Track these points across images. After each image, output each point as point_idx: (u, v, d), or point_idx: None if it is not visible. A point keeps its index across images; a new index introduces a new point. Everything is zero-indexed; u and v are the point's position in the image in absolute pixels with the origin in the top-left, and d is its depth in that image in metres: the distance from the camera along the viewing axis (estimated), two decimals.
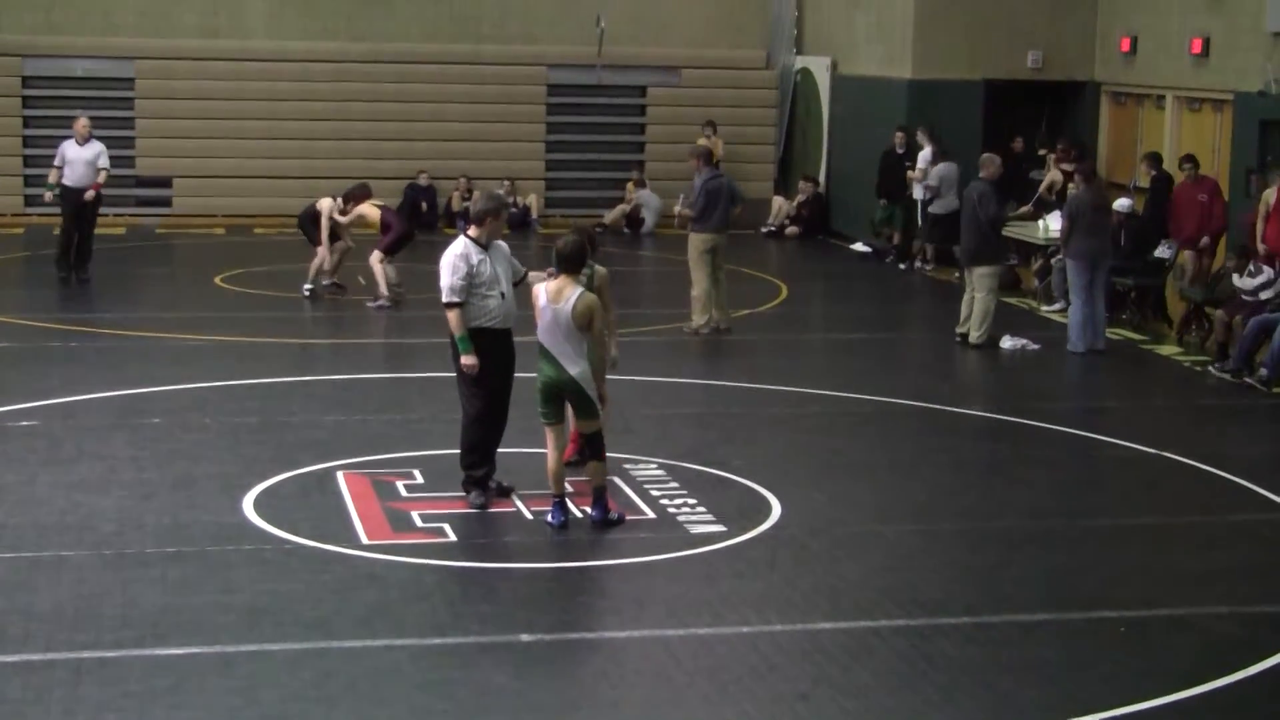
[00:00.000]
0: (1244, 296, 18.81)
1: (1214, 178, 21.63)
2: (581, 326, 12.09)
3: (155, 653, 9.57)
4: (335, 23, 30.68)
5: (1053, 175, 25.39)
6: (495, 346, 12.59)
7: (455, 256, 12.45)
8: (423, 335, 19.46)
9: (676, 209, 23.50)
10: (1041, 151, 26.60)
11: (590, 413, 12.28)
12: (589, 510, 12.43)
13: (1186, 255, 21.62)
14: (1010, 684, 9.51)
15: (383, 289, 21.19)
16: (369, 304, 21.38)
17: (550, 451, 12.30)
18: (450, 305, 12.43)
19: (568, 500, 12.36)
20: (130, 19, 30.16)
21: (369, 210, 22.00)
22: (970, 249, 20.13)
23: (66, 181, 22.91)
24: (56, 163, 23.06)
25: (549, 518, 12.28)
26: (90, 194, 22.92)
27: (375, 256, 21.41)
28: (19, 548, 11.44)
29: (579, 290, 12.15)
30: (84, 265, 23.17)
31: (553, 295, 12.14)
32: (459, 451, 12.83)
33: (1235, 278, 19.11)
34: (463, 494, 12.74)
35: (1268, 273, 18.74)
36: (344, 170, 30.03)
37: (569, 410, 12.53)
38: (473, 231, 12.68)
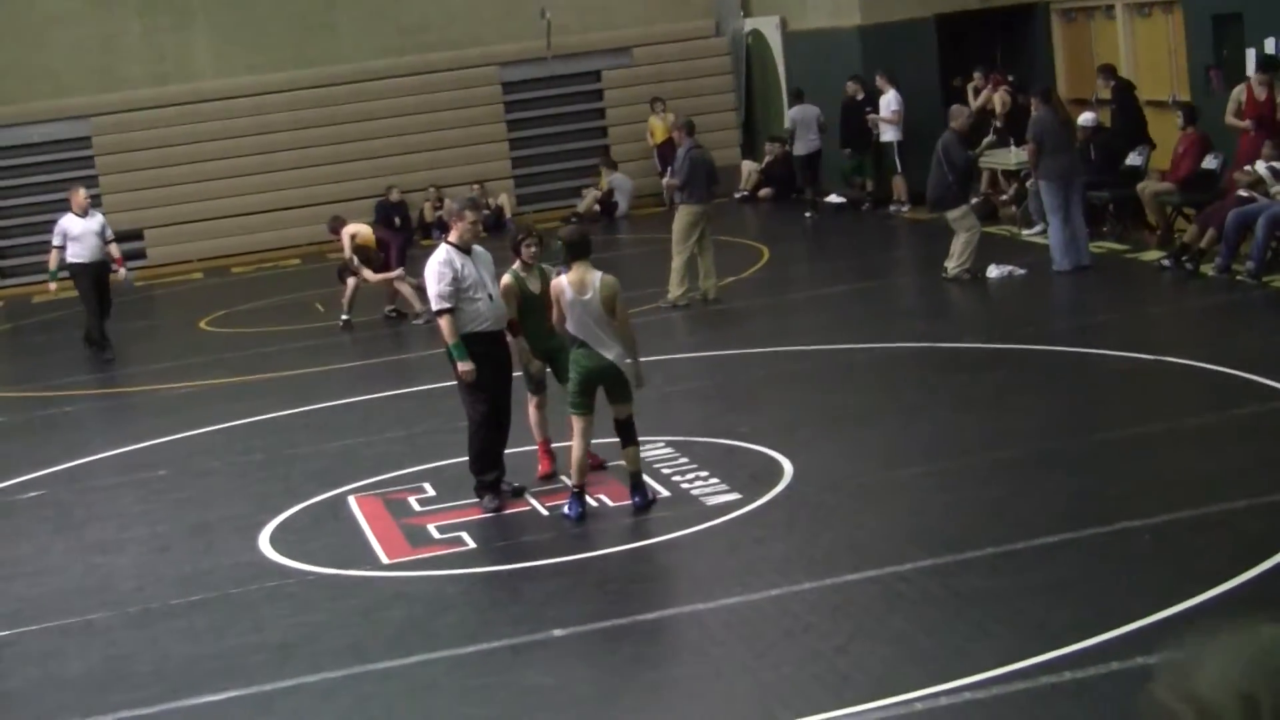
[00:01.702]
0: (1243, 189, 18.58)
1: (1197, 134, 21.03)
2: (610, 310, 12.10)
3: (192, 703, 9.57)
4: (282, 53, 30.63)
5: (999, 98, 25.48)
6: (490, 349, 12.60)
7: (439, 264, 12.48)
8: (417, 349, 19.49)
9: (664, 181, 23.53)
10: (956, 82, 26.58)
11: (627, 396, 12.27)
12: (565, 514, 12.31)
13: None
14: (1042, 608, 9.51)
15: (418, 303, 20.95)
16: (414, 322, 21.25)
17: (578, 441, 12.27)
18: (442, 313, 12.45)
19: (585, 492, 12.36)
20: (79, 78, 30.09)
21: (360, 229, 21.94)
22: (933, 197, 20.24)
23: (75, 258, 21.51)
24: (56, 242, 21.68)
25: (566, 510, 12.27)
26: (121, 273, 22.13)
27: (396, 276, 21.46)
28: (43, 618, 11.43)
29: (598, 275, 12.18)
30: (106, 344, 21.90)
31: (577, 287, 12.13)
32: (467, 459, 12.82)
33: (1257, 167, 18.77)
34: (476, 500, 12.74)
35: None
36: (312, 197, 30.07)
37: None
38: (452, 235, 12.74)
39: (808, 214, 27.17)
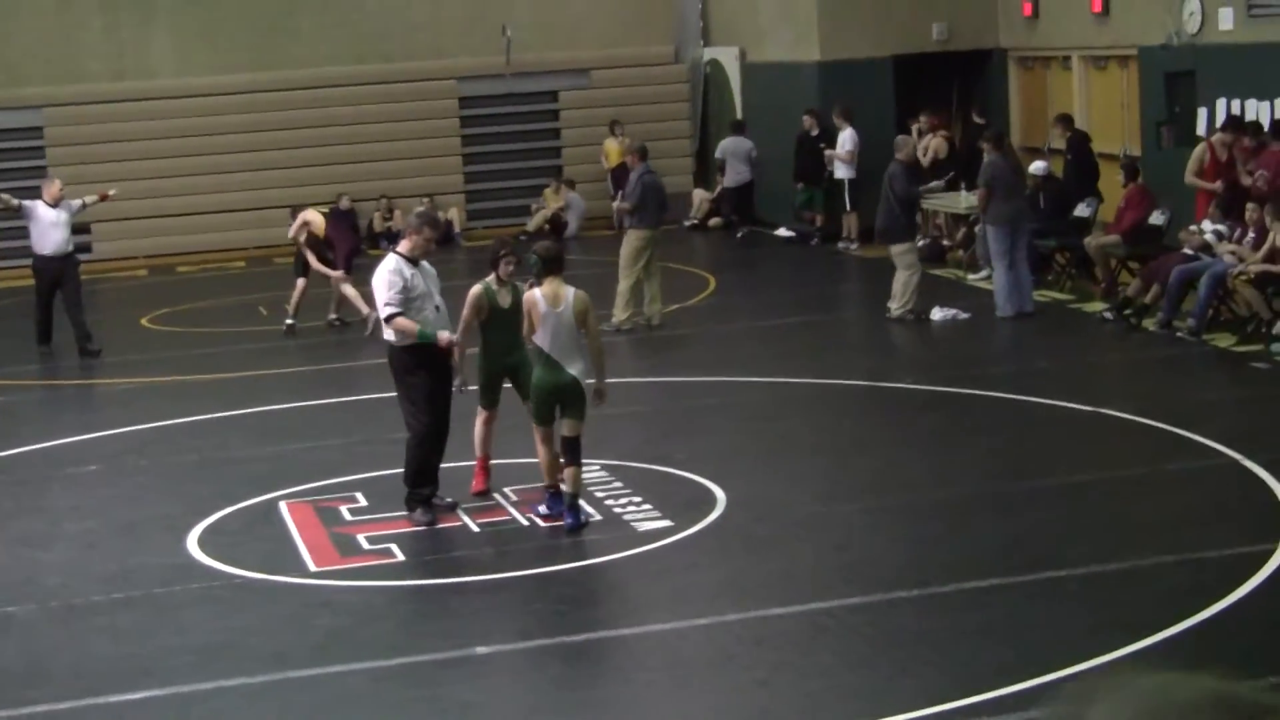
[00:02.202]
0: (1190, 248, 18.68)
1: (1138, 188, 21.16)
2: (580, 324, 12.24)
3: (109, 700, 9.50)
4: (241, 55, 30.52)
5: (935, 144, 25.68)
6: (434, 361, 12.58)
7: (389, 273, 12.46)
8: (357, 358, 19.42)
9: (615, 204, 23.56)
10: (912, 123, 26.78)
11: (580, 414, 12.32)
12: (542, 513, 12.45)
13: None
14: (968, 651, 9.55)
15: (364, 307, 20.62)
16: (365, 333, 20.74)
17: (543, 447, 12.42)
18: (391, 317, 12.39)
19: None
20: (36, 68, 29.92)
21: (313, 216, 21.70)
22: (880, 228, 20.32)
23: (38, 250, 20.99)
24: (23, 217, 21.12)
25: (544, 508, 12.49)
26: (112, 192, 22.54)
27: (338, 278, 21.19)
28: None
29: (571, 290, 12.31)
30: (88, 338, 20.93)
31: (551, 300, 12.23)
32: (403, 471, 12.77)
33: (1204, 226, 18.88)
34: (406, 513, 12.68)
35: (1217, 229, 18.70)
36: (262, 200, 29.96)
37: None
38: (404, 246, 12.69)
39: (739, 234, 27.73)
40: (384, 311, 12.46)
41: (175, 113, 30.11)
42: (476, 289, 12.97)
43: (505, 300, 12.99)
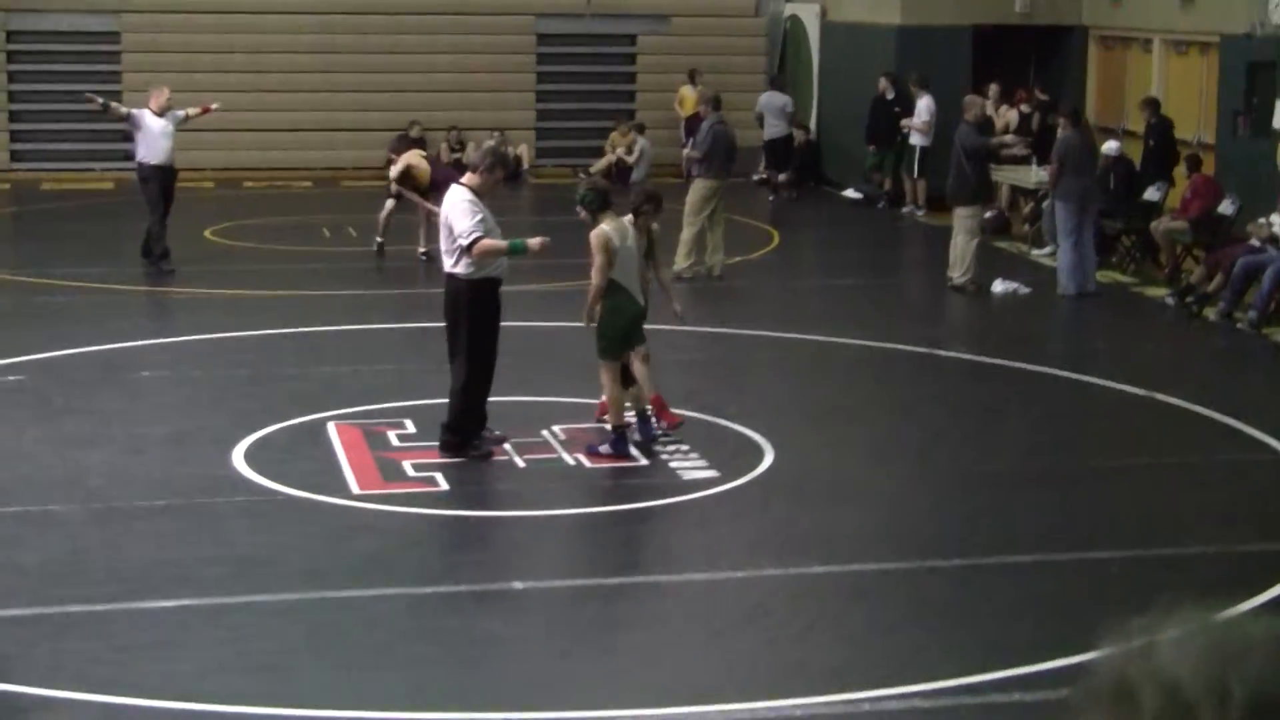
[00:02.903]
0: (1258, 239, 18.53)
1: (1203, 178, 20.99)
2: (645, 256, 13.11)
3: (144, 605, 9.55)
4: None
5: (1008, 115, 25.56)
6: (496, 297, 12.51)
7: (466, 201, 12.17)
8: (412, 286, 19.43)
9: (685, 152, 23.50)
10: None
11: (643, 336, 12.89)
12: (578, 459, 12.48)
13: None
14: (1003, 625, 9.51)
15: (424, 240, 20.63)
16: (420, 253, 20.92)
17: (615, 385, 12.69)
18: (475, 241, 12.11)
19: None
20: None
21: (416, 162, 21.12)
22: (951, 189, 20.15)
23: (145, 159, 20.37)
24: (125, 124, 20.71)
25: (638, 435, 12.75)
26: (215, 106, 21.93)
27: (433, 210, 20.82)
28: (6, 502, 11.41)
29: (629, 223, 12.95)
30: (167, 255, 20.48)
31: (623, 235, 12.67)
32: (453, 413, 12.54)
33: (1272, 220, 18.71)
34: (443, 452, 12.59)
35: None
36: (332, 122, 30.01)
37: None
38: (471, 180, 12.44)
39: (770, 197, 27.62)
40: (468, 237, 12.12)
41: (251, 27, 30.11)
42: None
43: (631, 241, 12.99)
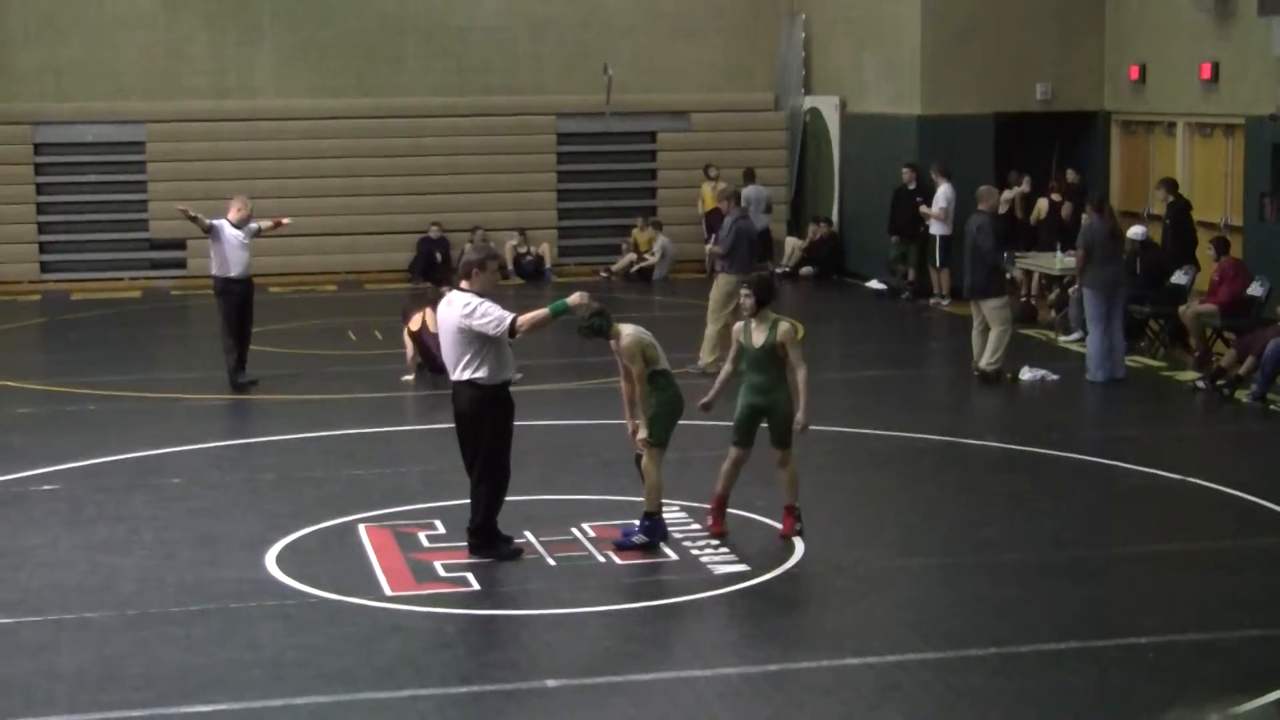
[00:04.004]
0: None
1: (1231, 261, 21.06)
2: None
3: (180, 710, 9.54)
4: (344, 80, 30.80)
5: (1040, 205, 25.72)
6: (510, 398, 12.53)
7: (480, 301, 12.19)
8: (435, 388, 19.44)
9: (708, 248, 23.59)
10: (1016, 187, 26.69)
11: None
12: (608, 556, 12.49)
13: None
14: (1037, 713, 9.44)
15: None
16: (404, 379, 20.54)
17: (660, 468, 12.90)
18: (515, 320, 12.13)
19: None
20: (139, 82, 30.30)
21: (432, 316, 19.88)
22: (975, 283, 20.05)
23: (227, 272, 19.66)
24: (207, 230, 19.61)
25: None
26: (287, 220, 21.37)
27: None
28: (42, 610, 11.42)
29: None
30: (243, 367, 20.02)
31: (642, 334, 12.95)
32: (483, 515, 12.55)
33: None
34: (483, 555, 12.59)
35: None
36: (356, 226, 30.23)
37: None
38: (470, 284, 12.36)
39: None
40: (502, 324, 12.11)
41: (275, 134, 30.40)
42: (737, 325, 13.37)
43: (755, 339, 13.05)
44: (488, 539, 12.57)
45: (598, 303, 12.71)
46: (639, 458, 12.92)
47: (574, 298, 12.33)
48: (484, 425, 12.41)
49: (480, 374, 12.30)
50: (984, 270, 19.94)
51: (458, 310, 12.29)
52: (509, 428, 12.54)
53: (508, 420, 12.52)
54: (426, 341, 19.57)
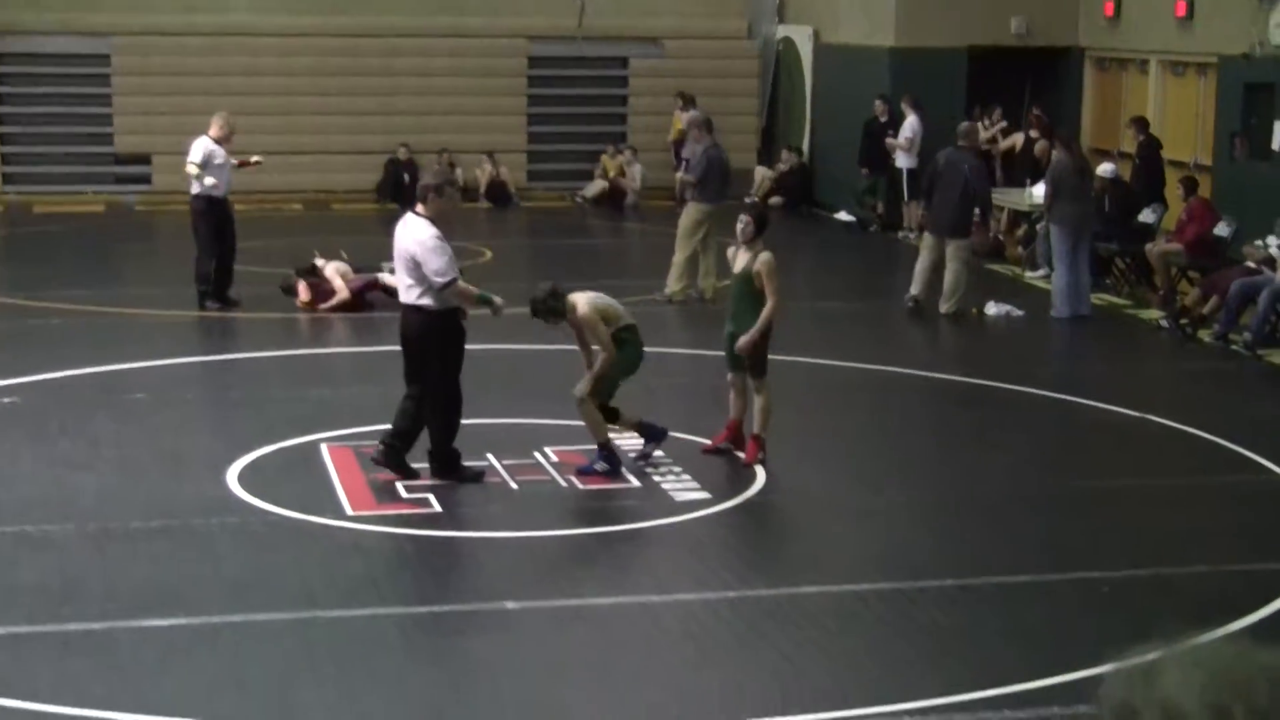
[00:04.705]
0: (1254, 262, 18.59)
1: (1200, 201, 21.01)
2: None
3: (141, 624, 9.57)
4: None
5: (1014, 139, 25.68)
6: (460, 324, 12.53)
7: (435, 238, 12.18)
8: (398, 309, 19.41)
9: (679, 176, 23.53)
10: (987, 122, 26.65)
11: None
12: (570, 481, 12.53)
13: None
14: (994, 646, 9.53)
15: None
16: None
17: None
18: (452, 282, 12.25)
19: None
20: None
21: (334, 272, 19.89)
22: (952, 221, 20.01)
23: (216, 192, 19.43)
24: (199, 160, 19.27)
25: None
26: (255, 159, 20.64)
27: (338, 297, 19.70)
28: (2, 523, 11.42)
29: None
30: (228, 287, 19.78)
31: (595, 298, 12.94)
32: (437, 441, 12.55)
33: (1269, 241, 18.73)
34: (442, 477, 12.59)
35: None
36: (325, 145, 30.07)
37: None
38: (426, 210, 12.36)
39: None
40: (444, 278, 12.19)
41: (244, 50, 30.17)
42: (731, 249, 13.48)
43: (737, 264, 13.07)
44: (448, 462, 12.60)
45: (550, 282, 12.77)
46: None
47: (500, 302, 12.55)
48: (430, 351, 12.42)
49: (428, 300, 12.31)
50: (965, 210, 19.95)
51: (415, 237, 12.27)
52: (458, 354, 12.52)
53: (456, 347, 12.50)
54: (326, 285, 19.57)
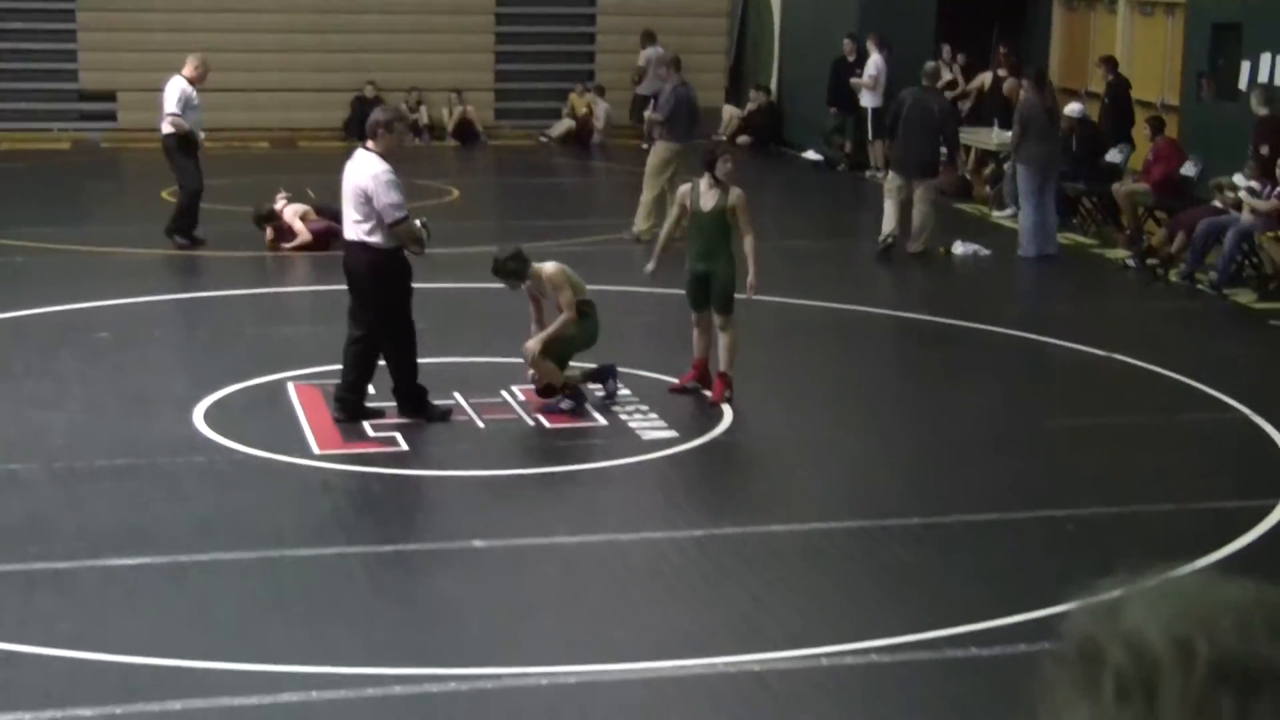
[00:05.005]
0: (1220, 202, 18.61)
1: (1167, 141, 21.00)
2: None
3: (108, 563, 9.55)
4: None
5: (982, 78, 25.67)
6: (408, 262, 12.50)
7: (388, 173, 12.12)
8: None
9: (647, 115, 23.49)
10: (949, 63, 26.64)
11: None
12: (538, 419, 12.54)
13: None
14: (959, 582, 9.58)
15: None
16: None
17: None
18: (402, 220, 12.21)
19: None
20: None
21: (293, 214, 19.72)
22: (921, 162, 19.99)
23: (195, 129, 19.39)
24: (177, 109, 19.21)
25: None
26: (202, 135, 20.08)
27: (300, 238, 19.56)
28: None
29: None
30: (194, 226, 19.63)
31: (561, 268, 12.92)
32: (401, 377, 12.50)
33: (1236, 181, 18.73)
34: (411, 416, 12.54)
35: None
36: (291, 83, 29.88)
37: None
38: (378, 146, 12.27)
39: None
40: (397, 214, 12.11)
41: None
42: (684, 187, 13.32)
43: (705, 202, 13.02)
44: (413, 399, 12.55)
45: (516, 244, 12.77)
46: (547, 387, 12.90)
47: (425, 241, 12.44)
48: (378, 289, 12.32)
49: (375, 237, 12.21)
50: (934, 150, 19.95)
51: (365, 173, 12.18)
52: (406, 291, 12.43)
53: (403, 284, 12.41)
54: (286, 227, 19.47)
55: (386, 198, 12.10)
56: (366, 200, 12.10)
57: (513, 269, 12.66)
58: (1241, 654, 1.61)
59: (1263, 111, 19.19)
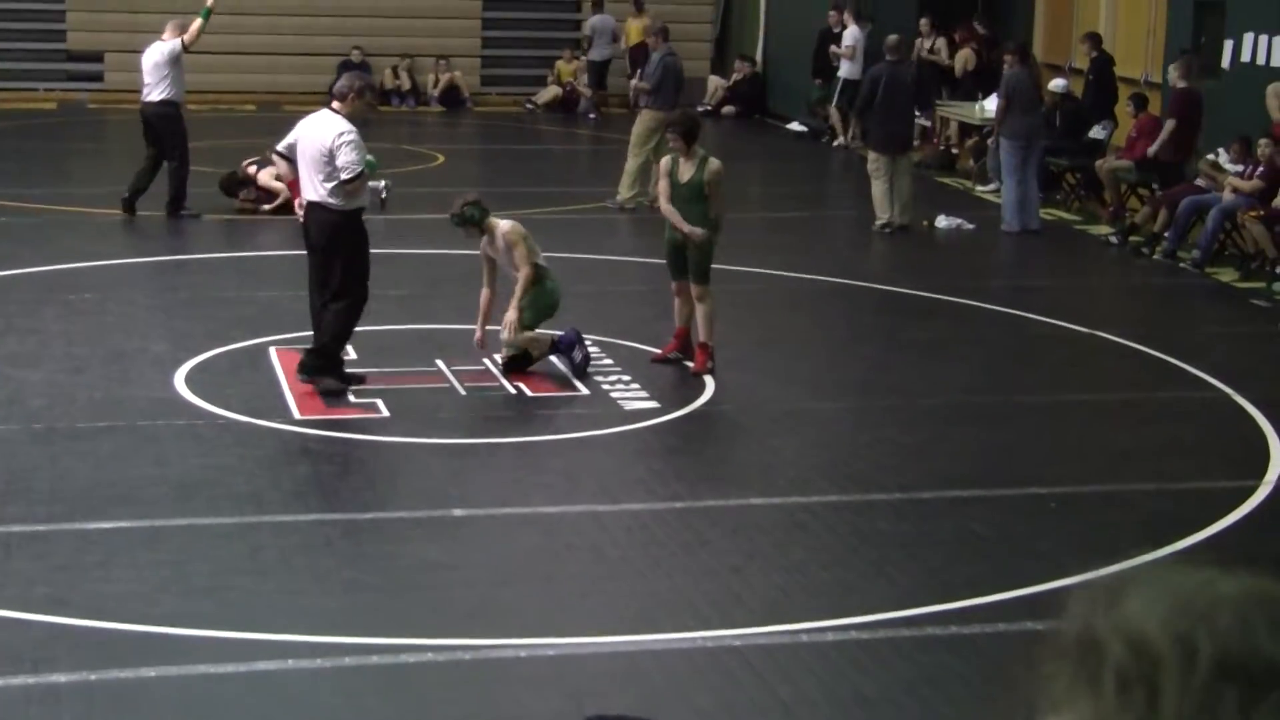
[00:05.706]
0: (1203, 179, 18.62)
1: (1149, 118, 21.03)
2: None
3: (85, 526, 9.52)
4: None
5: (965, 53, 25.66)
6: (364, 226, 12.46)
7: (353, 134, 12.04)
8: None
9: (633, 83, 23.45)
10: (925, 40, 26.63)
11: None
12: (520, 388, 12.50)
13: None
14: (941, 558, 9.57)
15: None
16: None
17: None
18: (359, 176, 12.10)
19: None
20: None
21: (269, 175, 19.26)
22: (905, 135, 20.02)
23: (180, 96, 18.93)
24: (164, 74, 18.70)
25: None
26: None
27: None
28: None
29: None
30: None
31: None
32: (328, 338, 12.32)
33: (1225, 158, 18.72)
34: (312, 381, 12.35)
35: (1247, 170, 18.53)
36: (277, 46, 29.76)
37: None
38: (343, 107, 12.18)
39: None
40: (354, 170, 12.02)
41: None
42: (666, 159, 13.28)
43: (683, 174, 12.99)
44: (326, 362, 12.34)
45: (468, 203, 12.73)
46: (512, 359, 12.86)
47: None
48: (336, 251, 12.21)
49: (335, 198, 12.12)
50: (910, 121, 19.94)
51: (329, 133, 12.08)
52: (364, 255, 12.36)
53: (361, 247, 12.35)
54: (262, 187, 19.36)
55: (347, 155, 12.00)
56: (330, 160, 12.03)
57: (470, 215, 12.69)
58: (1243, 651, 1.60)
59: (1180, 84, 19.28)
